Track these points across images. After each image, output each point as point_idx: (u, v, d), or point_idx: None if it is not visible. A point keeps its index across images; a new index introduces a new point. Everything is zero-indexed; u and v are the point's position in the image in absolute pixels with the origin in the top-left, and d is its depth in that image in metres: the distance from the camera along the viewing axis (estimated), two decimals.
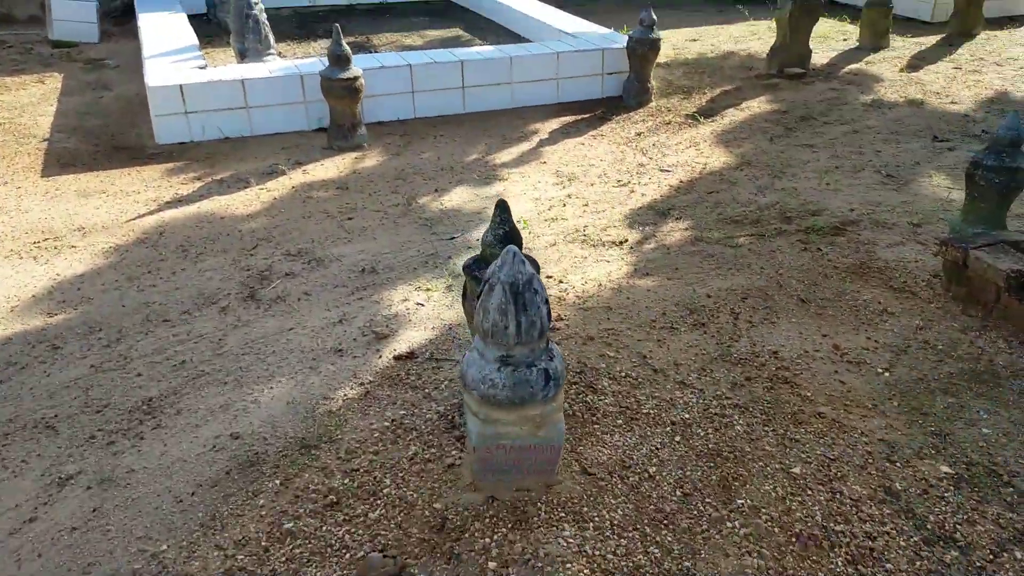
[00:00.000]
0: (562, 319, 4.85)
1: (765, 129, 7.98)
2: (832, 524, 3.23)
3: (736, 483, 3.40)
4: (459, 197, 6.53)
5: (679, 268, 5.50)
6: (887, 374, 4.30)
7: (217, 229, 5.96)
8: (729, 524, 3.18)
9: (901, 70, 10.03)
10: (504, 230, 3.66)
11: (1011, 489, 3.43)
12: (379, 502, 3.40)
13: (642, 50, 8.48)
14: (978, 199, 5.24)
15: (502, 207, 3.69)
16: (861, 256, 5.58)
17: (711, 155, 7.38)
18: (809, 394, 4.14)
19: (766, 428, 3.85)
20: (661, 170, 7.06)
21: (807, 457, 3.62)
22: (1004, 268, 4.69)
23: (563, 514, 3.24)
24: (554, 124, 8.19)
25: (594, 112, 8.55)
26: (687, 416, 3.93)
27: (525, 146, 7.61)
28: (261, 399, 4.16)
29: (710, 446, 3.68)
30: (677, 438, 3.75)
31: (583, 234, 5.94)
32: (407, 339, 4.67)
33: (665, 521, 3.20)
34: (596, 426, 3.85)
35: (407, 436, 3.85)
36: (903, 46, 11.19)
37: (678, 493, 3.35)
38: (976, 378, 4.22)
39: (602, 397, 4.09)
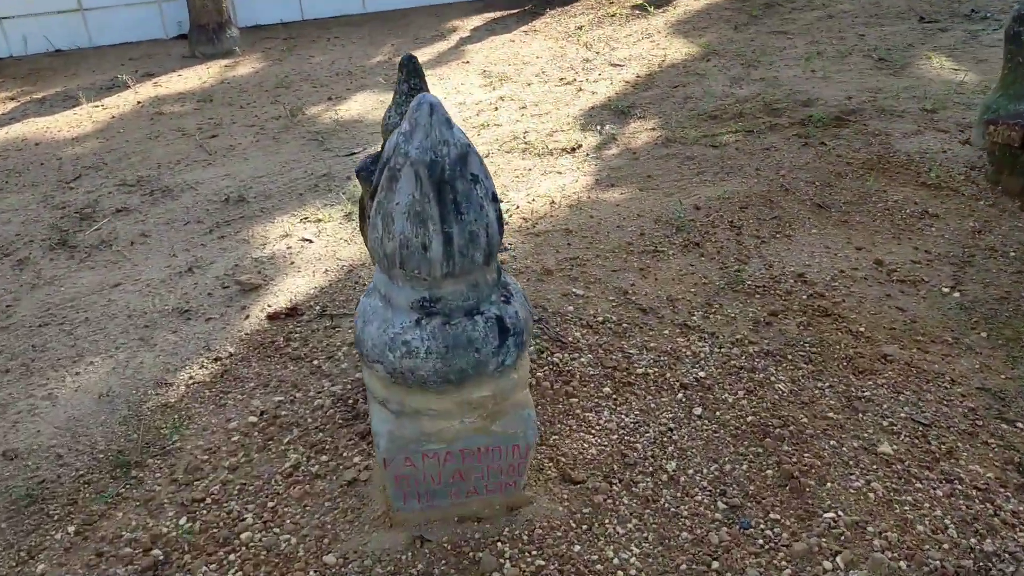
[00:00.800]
0: (506, 248, 3.50)
1: (727, 17, 6.68)
2: (978, 542, 1.99)
3: (808, 480, 2.13)
4: (359, 106, 5.05)
5: (653, 176, 4.20)
6: (957, 294, 3.11)
7: (28, 157, 4.37)
8: (828, 565, 1.90)
9: None
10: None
11: None
12: (234, 558, 2.03)
13: None
14: (1022, 66, 4.07)
15: (409, 67, 2.29)
16: (876, 149, 4.39)
17: (669, 46, 6.05)
18: (862, 329, 2.91)
19: (819, 384, 2.60)
20: (612, 64, 5.71)
21: (892, 425, 2.39)
22: None
23: (541, 561, 1.92)
24: (476, 21, 6.73)
25: (523, 7, 7.10)
26: (702, 375, 2.65)
27: (443, 45, 6.14)
28: (60, 393, 2.72)
29: (748, 419, 2.41)
30: (697, 410, 2.47)
31: (523, 141, 4.57)
32: (288, 290, 3.26)
33: (717, 565, 1.91)
34: (573, 400, 2.53)
35: (283, 438, 2.47)
36: None
37: (720, 506, 2.07)
38: None
39: (576, 355, 2.78)
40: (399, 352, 1.78)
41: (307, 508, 2.20)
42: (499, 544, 1.97)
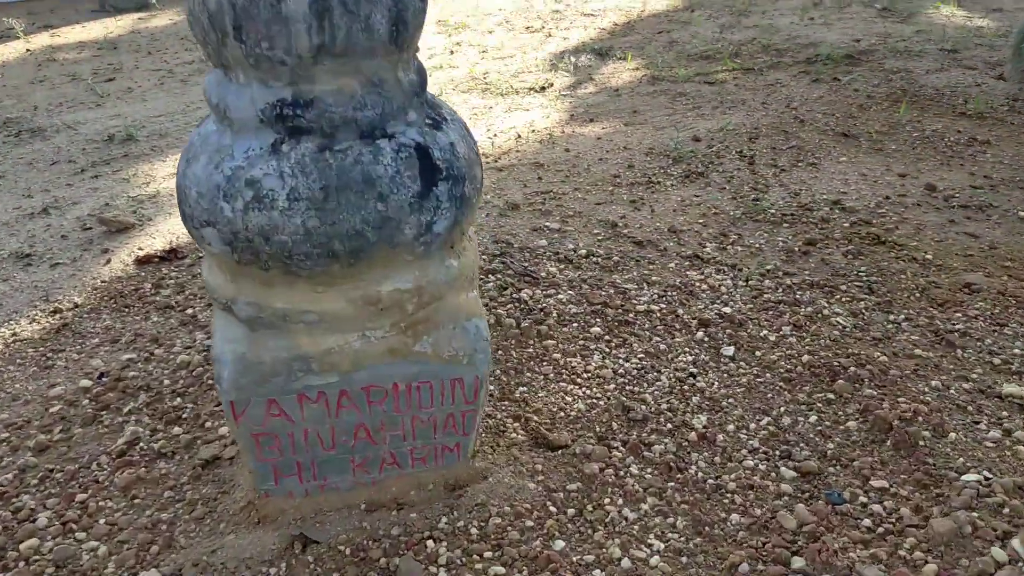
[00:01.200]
0: None
1: None
2: None
3: (919, 431, 1.36)
4: None
5: (639, 111, 3.47)
6: None
7: None
8: (1000, 554, 1.12)
9: None
10: None
11: None
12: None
13: None
14: None
15: None
16: (899, 84, 3.73)
17: None
18: (929, 256, 2.19)
19: (891, 317, 1.86)
20: (585, 15, 5.00)
21: (1007, 364, 1.66)
22: None
23: (500, 569, 1.13)
24: None
25: None
26: (727, 310, 1.89)
27: None
28: None
29: (803, 359, 1.66)
30: (727, 351, 1.71)
31: (484, 82, 3.84)
32: (169, 231, 2.46)
33: (801, 563, 1.12)
34: (549, 343, 1.76)
35: (124, 406, 1.67)
36: None
37: (786, 473, 1.31)
38: None
39: (551, 291, 2.00)
40: (242, 200, 1.00)
41: (136, 501, 1.39)
42: (430, 543, 1.18)
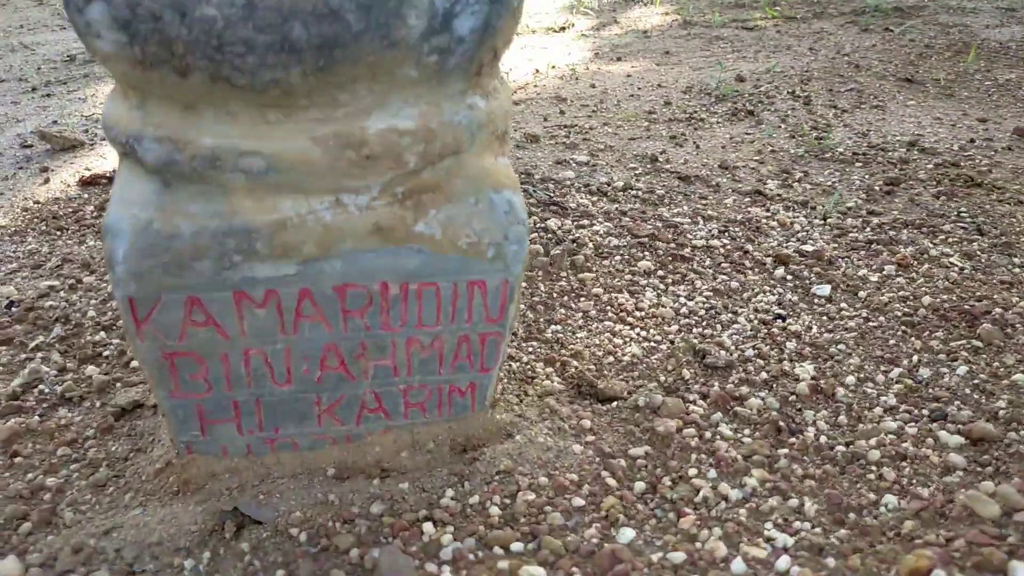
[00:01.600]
0: None
1: None
2: None
3: None
4: None
5: (672, 52, 3.07)
6: None
7: None
8: None
9: None
10: None
11: None
12: None
13: None
14: None
15: None
16: (959, 37, 3.34)
17: None
18: None
19: (1017, 261, 1.46)
20: None
21: None
22: None
23: (535, 569, 0.71)
24: None
25: None
26: (810, 248, 1.49)
27: None
28: None
29: (926, 303, 1.25)
30: (821, 290, 1.31)
31: None
32: None
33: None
34: (586, 276, 1.36)
35: (32, 340, 1.28)
36: None
37: (948, 439, 0.89)
38: None
39: (584, 221, 1.61)
40: None
41: (16, 460, 0.99)
42: (429, 527, 0.78)
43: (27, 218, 1.77)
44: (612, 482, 0.85)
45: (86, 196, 1.87)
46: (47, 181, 1.94)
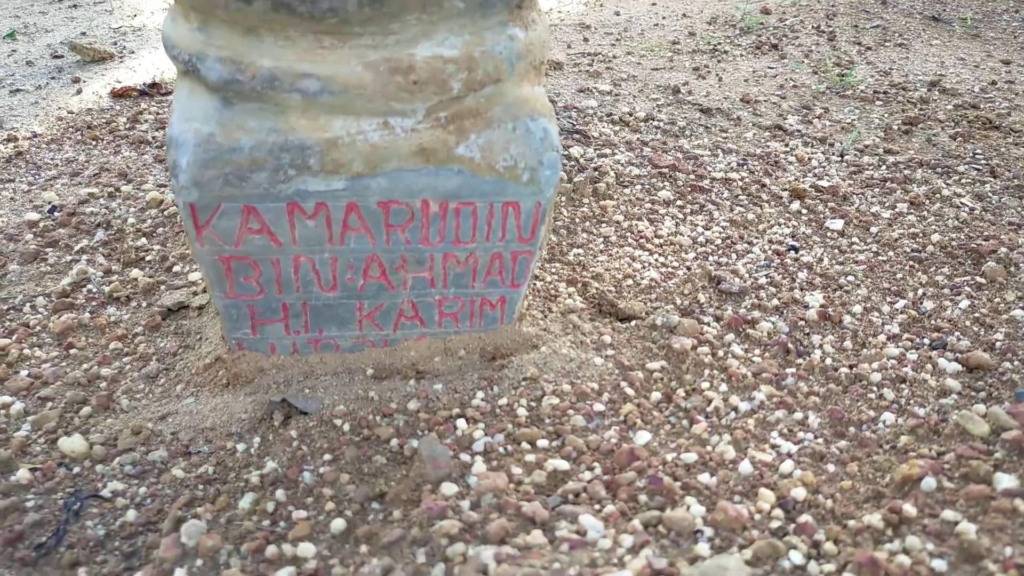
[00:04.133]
0: None
1: None
2: None
3: None
4: None
5: None
6: None
7: None
8: None
9: None
10: None
11: None
12: None
13: None
14: None
15: None
16: None
17: None
18: None
19: None
20: None
21: None
22: None
23: (560, 461, 0.79)
24: None
25: None
26: (825, 184, 1.54)
27: None
28: None
29: (933, 239, 1.30)
30: (834, 224, 1.36)
31: None
32: (154, 65, 2.09)
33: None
34: (607, 203, 1.42)
35: (77, 243, 1.34)
36: None
37: (947, 366, 0.96)
38: None
39: (606, 151, 1.65)
40: None
41: (72, 352, 1.07)
42: (462, 423, 0.85)
43: (62, 127, 1.81)
44: (630, 391, 0.91)
45: (118, 108, 1.91)
46: (79, 92, 1.98)
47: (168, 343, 1.09)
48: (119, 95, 1.95)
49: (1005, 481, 0.72)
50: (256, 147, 0.78)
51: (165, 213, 1.45)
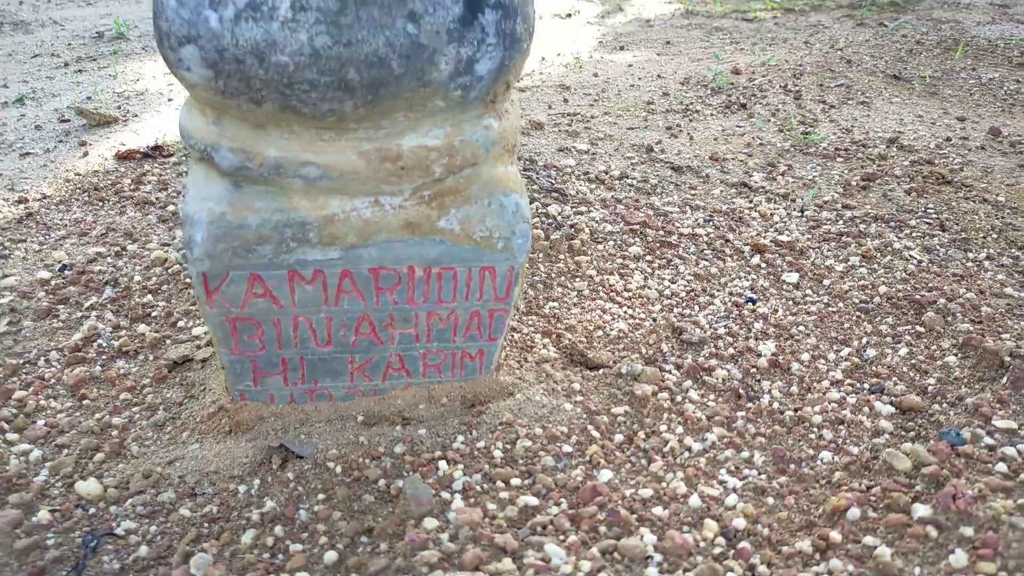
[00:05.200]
0: None
1: None
2: None
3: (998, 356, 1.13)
4: None
5: (673, 42, 3.20)
6: None
7: None
8: None
9: None
10: None
11: None
12: None
13: None
14: None
15: None
16: (949, 33, 3.47)
17: None
18: (1002, 199, 1.96)
19: (970, 255, 1.63)
20: None
21: None
22: None
23: (531, 499, 0.90)
24: None
25: None
26: (785, 238, 1.65)
27: None
28: None
29: (880, 291, 1.41)
30: (790, 277, 1.48)
31: None
32: (156, 127, 2.21)
33: (921, 512, 0.89)
34: (582, 259, 1.52)
35: (86, 300, 1.44)
36: None
37: (882, 408, 1.07)
38: None
39: (581, 208, 1.76)
40: (234, 7, 0.75)
41: (84, 402, 1.16)
42: (443, 465, 0.95)
43: (70, 189, 1.92)
44: (596, 434, 1.02)
45: (123, 170, 2.03)
46: (86, 155, 2.09)
47: (174, 393, 1.18)
48: (124, 157, 2.07)
49: (921, 510, 0.82)
50: (262, 224, 0.89)
51: (169, 271, 1.55)
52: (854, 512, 0.83)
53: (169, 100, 2.39)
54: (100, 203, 1.85)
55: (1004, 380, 1.08)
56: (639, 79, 2.80)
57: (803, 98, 2.67)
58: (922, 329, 1.29)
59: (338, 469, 0.97)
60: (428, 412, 1.05)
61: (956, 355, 1.20)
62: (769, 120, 2.47)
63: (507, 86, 0.91)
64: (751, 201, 1.90)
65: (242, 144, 0.87)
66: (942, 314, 1.34)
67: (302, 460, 0.99)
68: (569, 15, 3.50)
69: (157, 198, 1.87)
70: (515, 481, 0.93)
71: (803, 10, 3.73)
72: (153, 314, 1.41)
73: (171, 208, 1.81)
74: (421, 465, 0.96)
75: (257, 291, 0.94)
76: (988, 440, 0.96)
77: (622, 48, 3.13)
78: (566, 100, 2.59)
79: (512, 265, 0.98)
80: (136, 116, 2.30)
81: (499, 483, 0.93)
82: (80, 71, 2.58)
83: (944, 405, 1.07)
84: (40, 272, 1.55)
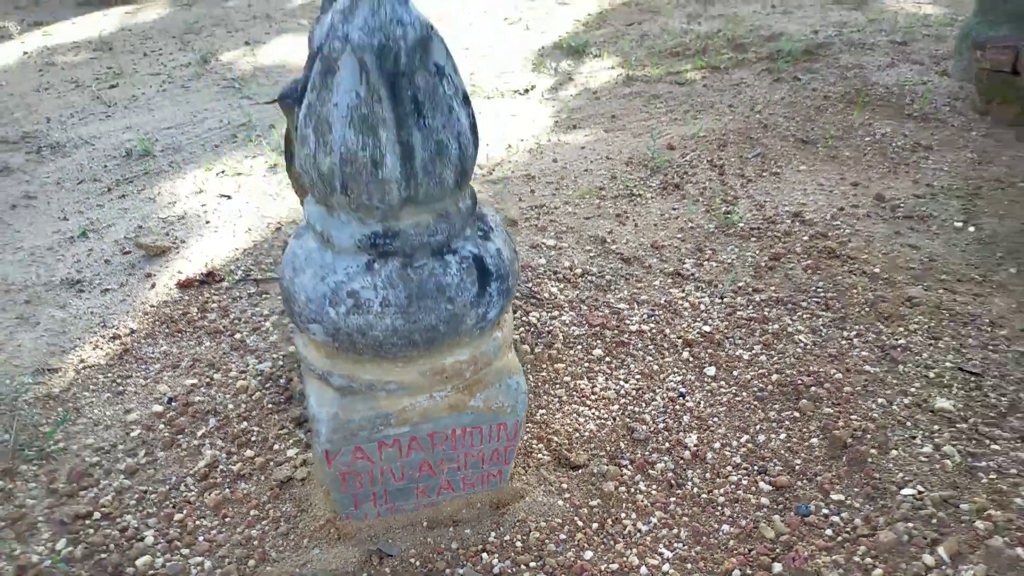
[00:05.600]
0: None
1: None
2: None
3: (867, 448, 1.72)
4: (281, 50, 4.47)
5: (617, 116, 3.75)
6: (972, 229, 2.75)
7: None
8: (929, 560, 1.48)
9: None
10: None
11: None
12: None
13: None
14: None
15: None
16: (853, 83, 4.03)
17: None
18: (877, 270, 2.53)
19: (845, 333, 2.20)
20: (559, 3, 5.21)
21: (939, 377, 2.00)
22: None
23: None
24: None
25: None
26: (708, 329, 2.22)
27: None
28: None
29: (773, 378, 1.99)
30: (709, 371, 2.04)
31: (471, 83, 4.06)
32: (203, 253, 2.71)
33: (780, 568, 1.48)
34: (559, 366, 2.08)
35: (197, 430, 1.96)
36: None
37: (764, 487, 1.65)
38: None
39: (555, 313, 2.31)
40: (344, 307, 1.29)
41: (227, 520, 1.70)
42: (485, 555, 1.51)
43: (150, 322, 2.43)
44: (580, 523, 1.58)
45: (187, 298, 2.53)
46: (153, 286, 2.60)
47: (288, 508, 1.72)
48: (184, 285, 2.58)
49: (777, 568, 1.39)
50: (362, 418, 1.44)
51: (253, 398, 2.08)
52: (737, 572, 1.41)
53: (207, 223, 2.89)
54: (179, 334, 2.37)
55: (843, 459, 1.66)
56: (591, 162, 3.33)
57: (726, 173, 3.22)
58: (798, 414, 1.87)
59: (417, 563, 1.52)
60: (468, 514, 1.61)
61: (818, 437, 1.78)
62: (698, 200, 3.03)
63: (504, 315, 1.46)
64: (683, 290, 2.46)
65: (347, 373, 1.41)
66: (813, 400, 1.91)
67: (392, 557, 1.54)
68: (527, 90, 4.02)
69: (224, 326, 2.38)
70: (532, 564, 1.49)
71: (728, 67, 4.28)
72: (252, 439, 1.94)
73: (238, 336, 2.33)
74: (471, 556, 1.51)
75: (358, 456, 1.48)
76: (825, 510, 1.54)
77: (575, 127, 3.66)
78: (532, 191, 3.12)
79: (517, 420, 1.54)
80: (184, 242, 2.80)
81: (522, 566, 1.49)
82: (123, 195, 3.07)
83: (804, 481, 1.65)
84: (154, 406, 2.07)
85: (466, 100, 1.29)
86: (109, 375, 2.19)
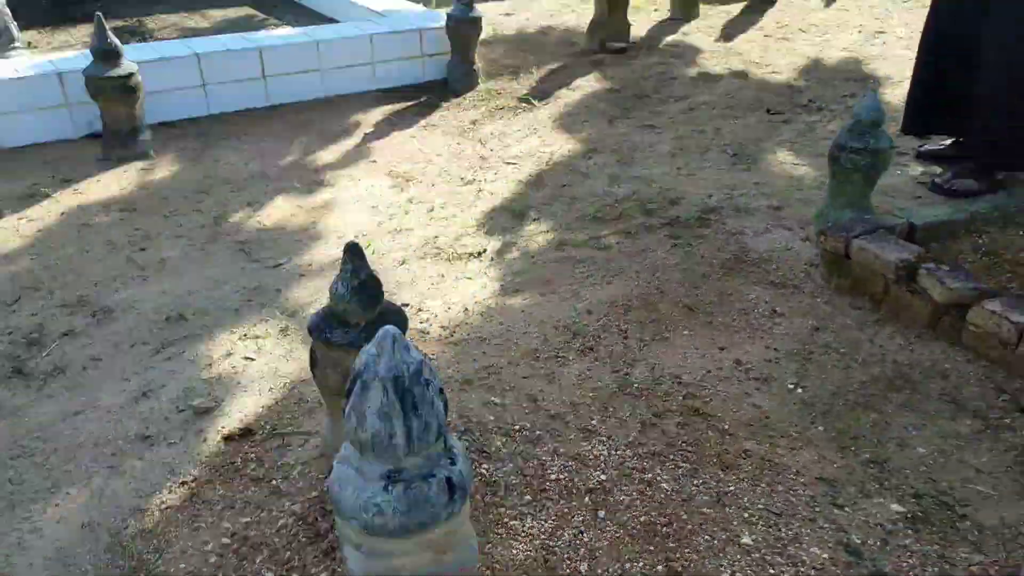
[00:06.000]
0: (430, 358, 4.02)
1: (603, 110, 7.46)
2: None
3: (686, 573, 2.76)
4: (280, 211, 5.48)
5: (550, 280, 4.82)
6: (800, 390, 3.84)
7: None
8: None
9: (716, 40, 9.84)
10: (359, 279, 2.82)
11: (968, 523, 3.03)
12: None
13: (464, 30, 7.70)
14: (844, 182, 5.03)
15: (353, 251, 2.82)
16: (733, 249, 5.13)
17: (554, 142, 6.75)
18: (727, 426, 3.59)
19: (695, 481, 3.25)
20: (506, 163, 6.35)
21: (751, 516, 3.05)
22: (893, 259, 4.37)
23: None
24: (377, 115, 7.24)
25: (419, 99, 7.66)
26: (603, 478, 3.26)
27: (349, 143, 6.62)
28: (43, 525, 3.05)
29: (641, 520, 3.03)
30: (601, 513, 3.07)
31: (435, 247, 5.12)
32: (238, 410, 3.68)
33: None
34: (501, 510, 3.09)
35: (256, 557, 2.91)
36: (713, 15, 11.04)
37: None
38: (890, 385, 3.85)
39: (499, 464, 3.33)
40: (371, 512, 2.28)
41: None
42: None
43: (207, 470, 3.37)
44: None
45: (231, 450, 3.47)
46: (204, 440, 3.53)
47: None
48: (227, 439, 3.52)
49: None
50: (382, 571, 2.43)
51: (291, 533, 3.03)
52: None
53: (237, 383, 3.85)
54: (229, 480, 3.31)
55: None
56: (529, 325, 4.37)
57: (629, 337, 4.28)
58: (652, 548, 2.91)
59: None
60: None
61: (663, 567, 2.82)
62: (607, 362, 4.09)
63: (465, 504, 2.47)
64: (591, 444, 3.48)
65: (371, 546, 2.40)
66: (663, 537, 2.95)
67: None
68: (479, 253, 5.06)
69: (261, 474, 3.33)
70: None
71: (638, 232, 5.37)
72: (295, 565, 2.90)
73: (273, 482, 3.29)
74: None
75: None
76: None
77: (517, 291, 4.70)
78: (484, 352, 4.14)
79: (473, 564, 2.54)
80: (222, 401, 3.75)
81: None
82: (169, 359, 4.01)
83: None
84: (223, 538, 3.01)
85: (440, 392, 2.31)
86: (184, 514, 3.13)
